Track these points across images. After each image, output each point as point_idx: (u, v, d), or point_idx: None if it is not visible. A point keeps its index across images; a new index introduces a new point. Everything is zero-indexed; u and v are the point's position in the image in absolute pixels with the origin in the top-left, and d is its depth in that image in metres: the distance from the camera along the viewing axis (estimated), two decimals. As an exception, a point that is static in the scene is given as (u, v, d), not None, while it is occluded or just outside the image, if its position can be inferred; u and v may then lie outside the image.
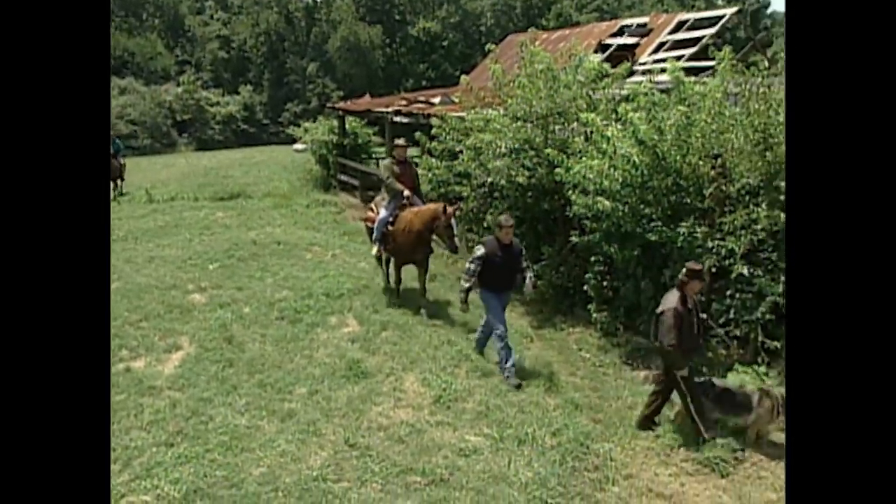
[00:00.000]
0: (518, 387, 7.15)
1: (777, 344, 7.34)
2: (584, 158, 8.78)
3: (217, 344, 7.81)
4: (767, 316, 7.40)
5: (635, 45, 17.39)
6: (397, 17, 53.90)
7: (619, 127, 8.68)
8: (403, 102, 18.48)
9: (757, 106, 8.01)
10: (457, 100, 14.61)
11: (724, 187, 8.09)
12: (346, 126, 20.93)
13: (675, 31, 17.09)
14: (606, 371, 8.39)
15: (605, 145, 8.61)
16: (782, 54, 8.97)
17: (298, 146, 25.86)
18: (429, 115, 14.44)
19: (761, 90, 8.17)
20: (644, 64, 15.38)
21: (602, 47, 17.96)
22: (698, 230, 7.96)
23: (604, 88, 10.54)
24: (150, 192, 18.53)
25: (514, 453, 5.84)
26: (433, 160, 12.76)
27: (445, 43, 51.85)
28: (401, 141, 10.05)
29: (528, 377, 7.46)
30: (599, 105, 10.08)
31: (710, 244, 7.87)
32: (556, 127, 10.36)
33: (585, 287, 9.45)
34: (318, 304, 8.98)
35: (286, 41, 51.68)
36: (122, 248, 12.48)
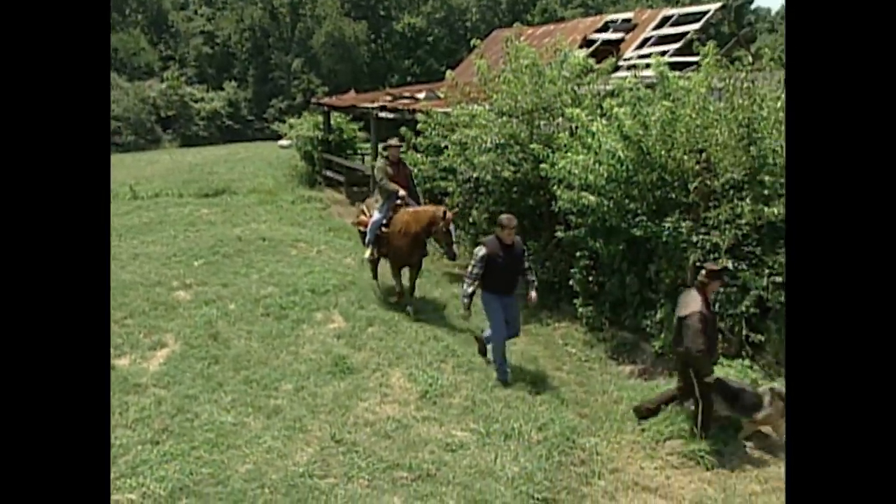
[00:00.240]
0: (505, 382, 7.16)
1: (761, 337, 7.41)
2: (569, 153, 8.79)
3: (202, 341, 7.75)
4: (752, 310, 7.45)
5: (620, 41, 17.44)
6: (382, 13, 53.69)
7: (604, 122, 8.70)
8: (388, 98, 18.45)
9: (741, 101, 8.06)
10: (442, 95, 14.60)
11: (708, 182, 8.13)
12: (332, 122, 20.87)
13: (659, 26, 17.14)
14: (592, 366, 8.44)
15: (590, 140, 8.63)
16: (766, 49, 9.01)
17: (283, 142, 25.75)
18: (414, 111, 14.40)
19: (745, 85, 8.23)
20: (629, 59, 15.41)
21: (587, 43, 17.99)
22: (683, 225, 7.99)
23: (589, 84, 10.56)
24: (134, 188, 18.33)
25: (501, 448, 5.86)
26: (418, 156, 12.76)
27: (430, 38, 51.67)
28: (394, 141, 9.88)
29: (515, 372, 7.47)
30: (584, 100, 10.07)
31: (694, 238, 7.91)
32: (542, 122, 10.38)
33: (571, 282, 9.48)
34: (303, 301, 8.94)
35: (271, 37, 51.30)
36: (106, 245, 12.35)
